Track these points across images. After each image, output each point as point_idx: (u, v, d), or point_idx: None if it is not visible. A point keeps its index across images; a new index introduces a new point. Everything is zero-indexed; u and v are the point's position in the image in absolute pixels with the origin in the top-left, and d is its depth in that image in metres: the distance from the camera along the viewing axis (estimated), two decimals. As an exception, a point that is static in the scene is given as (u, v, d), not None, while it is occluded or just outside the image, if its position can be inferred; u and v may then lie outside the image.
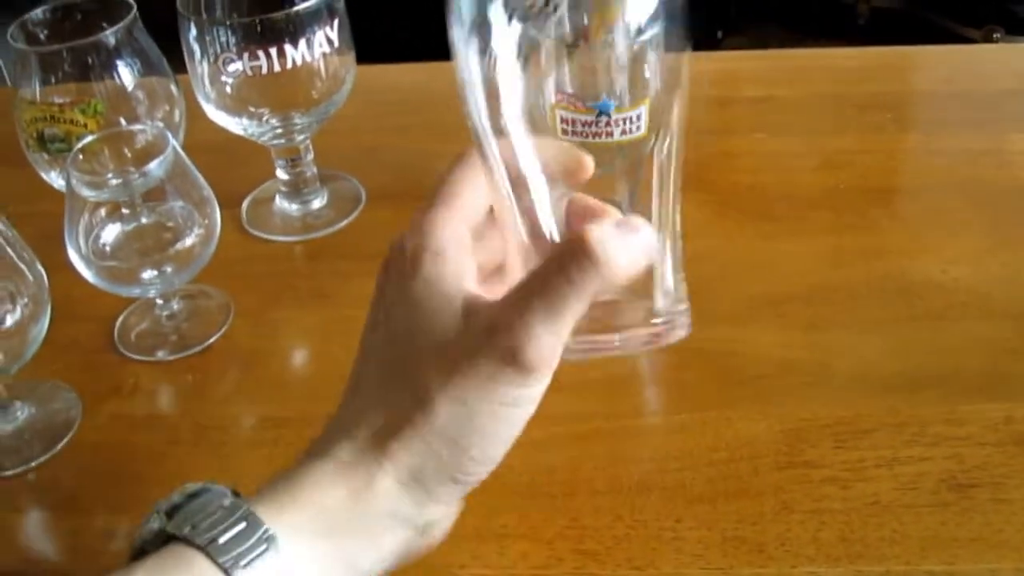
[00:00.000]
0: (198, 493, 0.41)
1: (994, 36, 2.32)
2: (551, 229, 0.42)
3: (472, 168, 0.43)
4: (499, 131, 0.41)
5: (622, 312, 0.43)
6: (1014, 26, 2.33)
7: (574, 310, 0.39)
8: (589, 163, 0.42)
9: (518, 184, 0.41)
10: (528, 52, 0.40)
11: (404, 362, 0.42)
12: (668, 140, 0.42)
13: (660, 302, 0.43)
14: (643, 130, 0.42)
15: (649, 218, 0.42)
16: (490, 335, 0.40)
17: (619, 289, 0.42)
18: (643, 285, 0.43)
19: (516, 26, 0.39)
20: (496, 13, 0.39)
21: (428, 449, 0.41)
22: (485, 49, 0.40)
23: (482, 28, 0.40)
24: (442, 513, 0.44)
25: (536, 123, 0.41)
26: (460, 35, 0.40)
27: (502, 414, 0.40)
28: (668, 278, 0.43)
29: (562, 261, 0.39)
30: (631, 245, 0.40)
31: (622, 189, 0.43)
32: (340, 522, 0.40)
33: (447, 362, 0.40)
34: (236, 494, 0.41)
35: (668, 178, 0.43)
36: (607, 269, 0.39)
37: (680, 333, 0.43)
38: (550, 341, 0.39)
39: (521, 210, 0.42)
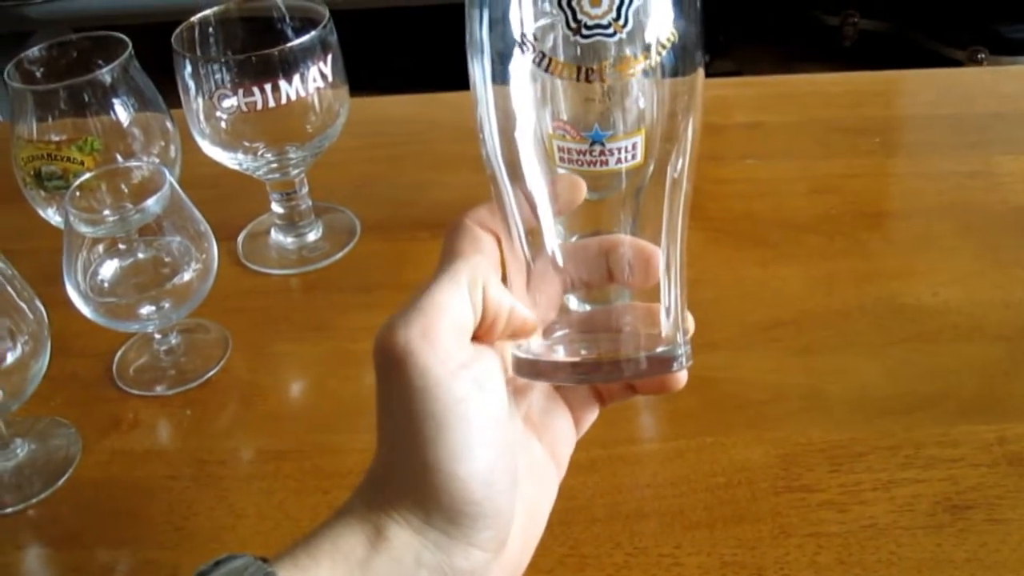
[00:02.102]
0: (225, 560, 0.41)
1: (979, 57, 2.34)
2: (554, 249, 0.43)
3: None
4: (512, 161, 0.42)
5: (625, 338, 0.44)
6: (998, 47, 2.35)
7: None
8: (582, 188, 0.43)
9: (526, 211, 0.42)
10: (535, 83, 0.41)
11: None
12: (676, 166, 0.42)
13: (665, 329, 0.43)
14: (639, 158, 0.42)
15: (656, 243, 0.43)
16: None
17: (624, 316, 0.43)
18: (647, 310, 0.43)
19: (529, 57, 0.40)
20: (514, 49, 0.40)
21: (414, 484, 0.40)
22: (504, 80, 0.41)
23: (502, 61, 0.40)
24: (481, 560, 0.41)
25: (544, 152, 0.42)
26: (478, 68, 0.41)
27: (444, 417, 0.39)
28: (675, 306, 0.43)
29: None
30: None
31: (624, 215, 0.44)
32: (357, 571, 0.40)
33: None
34: (264, 560, 0.41)
35: (676, 205, 0.43)
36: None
37: (682, 360, 0.43)
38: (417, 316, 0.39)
39: (527, 234, 0.43)
